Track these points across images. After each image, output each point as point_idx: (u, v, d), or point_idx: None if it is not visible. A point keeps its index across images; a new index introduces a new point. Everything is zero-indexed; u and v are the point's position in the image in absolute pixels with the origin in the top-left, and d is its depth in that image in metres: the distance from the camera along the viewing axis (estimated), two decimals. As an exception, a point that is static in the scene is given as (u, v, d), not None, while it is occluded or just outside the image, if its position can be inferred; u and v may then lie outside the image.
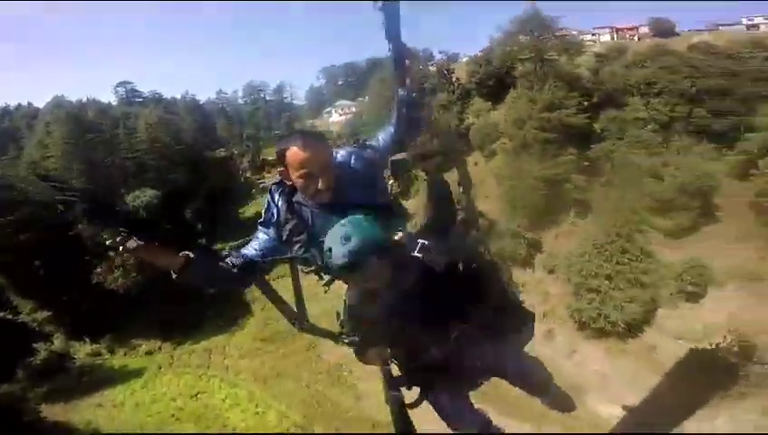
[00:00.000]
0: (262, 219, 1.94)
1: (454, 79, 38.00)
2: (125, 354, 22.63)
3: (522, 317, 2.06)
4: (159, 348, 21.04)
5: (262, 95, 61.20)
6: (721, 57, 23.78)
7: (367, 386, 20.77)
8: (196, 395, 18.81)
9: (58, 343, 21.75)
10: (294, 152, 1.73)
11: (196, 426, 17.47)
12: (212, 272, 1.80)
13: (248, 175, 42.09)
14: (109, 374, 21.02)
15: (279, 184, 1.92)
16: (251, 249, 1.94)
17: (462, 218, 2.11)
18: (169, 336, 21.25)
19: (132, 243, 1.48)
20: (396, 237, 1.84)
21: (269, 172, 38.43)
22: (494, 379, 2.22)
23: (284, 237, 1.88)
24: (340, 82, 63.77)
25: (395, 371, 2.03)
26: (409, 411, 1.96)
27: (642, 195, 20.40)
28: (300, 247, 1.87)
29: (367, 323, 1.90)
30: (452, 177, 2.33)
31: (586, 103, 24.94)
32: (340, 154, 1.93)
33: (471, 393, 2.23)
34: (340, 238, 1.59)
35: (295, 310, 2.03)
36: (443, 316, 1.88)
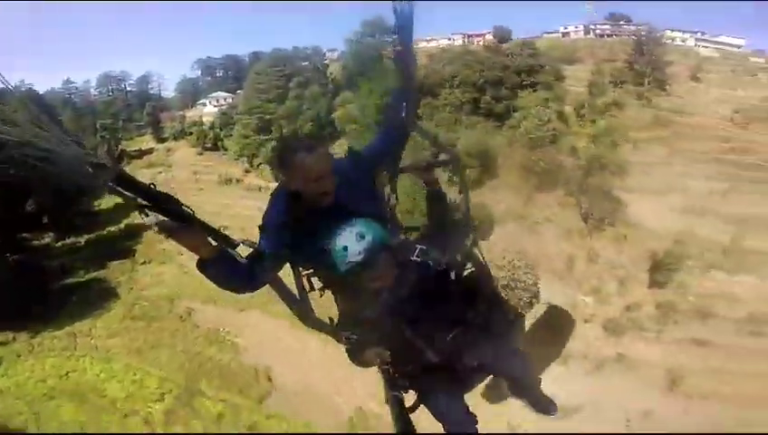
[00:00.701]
0: (262, 224, 1.97)
1: (329, 73, 42.29)
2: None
3: (511, 317, 2.19)
4: (14, 338, 20.41)
5: (123, 85, 56.54)
6: (500, 55, 32.42)
7: (245, 341, 22.68)
8: (67, 374, 18.89)
9: None
10: (302, 158, 1.83)
11: (73, 401, 17.65)
12: (231, 269, 1.77)
13: (105, 166, 39.22)
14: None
15: (282, 190, 1.99)
16: (257, 254, 1.94)
17: (458, 224, 2.15)
18: (25, 326, 20.77)
19: (153, 219, 1.43)
20: (395, 242, 2.02)
21: (129, 163, 37.08)
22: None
23: (289, 241, 1.94)
24: (218, 74, 62.06)
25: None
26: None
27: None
28: (304, 250, 1.96)
29: (367, 324, 1.94)
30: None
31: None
32: (337, 161, 2.02)
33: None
34: (355, 236, 1.76)
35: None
36: (440, 318, 1.98)
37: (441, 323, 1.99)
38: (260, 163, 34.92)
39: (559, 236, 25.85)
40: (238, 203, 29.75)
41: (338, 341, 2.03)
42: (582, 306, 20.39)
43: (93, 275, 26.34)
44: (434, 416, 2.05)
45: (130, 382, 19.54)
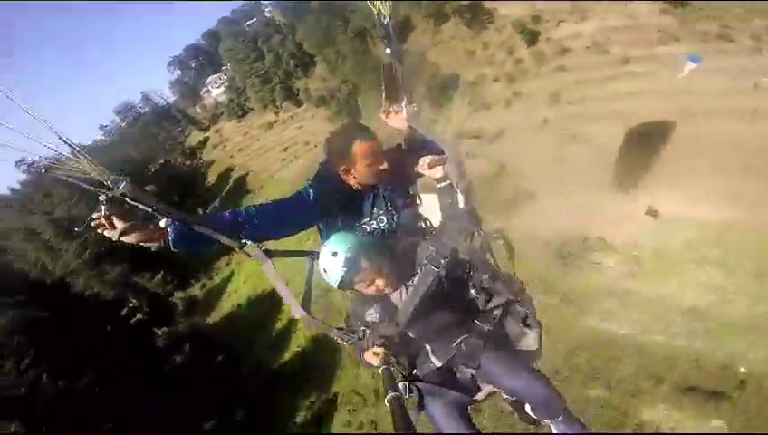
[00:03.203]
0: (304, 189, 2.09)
1: (277, 21, 53.71)
2: None
3: (527, 328, 2.03)
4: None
5: (139, 109, 69.30)
6: None
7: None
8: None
9: None
10: (361, 145, 2.00)
11: None
12: (197, 231, 1.76)
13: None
14: None
15: (321, 175, 2.14)
16: (268, 204, 2.06)
17: (466, 224, 2.06)
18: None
19: (167, 221, 1.60)
20: (404, 242, 2.06)
21: (205, 148, 50.38)
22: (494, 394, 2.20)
23: (324, 209, 2.07)
24: (193, 65, 72.73)
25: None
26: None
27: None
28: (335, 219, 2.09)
29: (371, 326, 1.98)
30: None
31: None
32: (387, 150, 2.16)
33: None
34: (330, 254, 1.85)
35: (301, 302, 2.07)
36: (445, 322, 1.98)
37: (448, 327, 1.98)
38: (280, 103, 49.93)
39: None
40: (287, 130, 46.48)
41: (341, 341, 2.05)
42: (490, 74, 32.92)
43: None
44: (430, 420, 2.01)
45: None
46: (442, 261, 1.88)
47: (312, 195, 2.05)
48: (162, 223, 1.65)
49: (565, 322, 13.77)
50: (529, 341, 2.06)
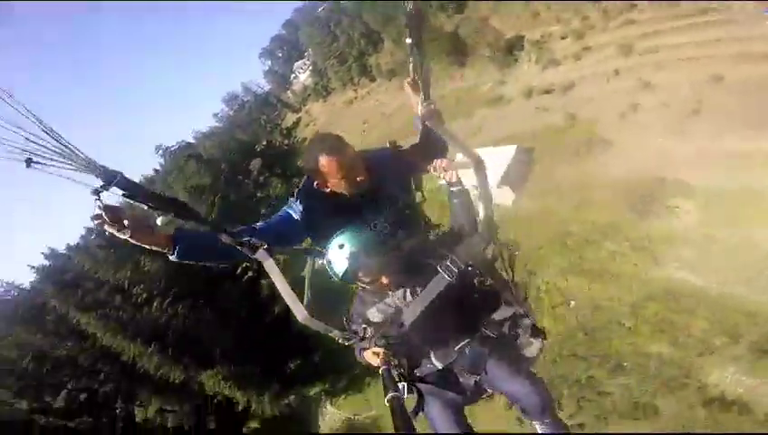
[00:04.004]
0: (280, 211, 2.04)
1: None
2: None
3: (530, 335, 2.06)
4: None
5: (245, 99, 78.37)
6: None
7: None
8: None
9: None
10: (325, 160, 1.87)
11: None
12: (206, 242, 1.78)
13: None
14: None
15: (306, 187, 2.04)
16: (262, 224, 2.03)
17: (485, 235, 1.98)
18: None
19: (164, 219, 2.23)
20: (410, 242, 2.01)
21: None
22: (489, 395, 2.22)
23: (311, 222, 2.03)
24: (280, 54, 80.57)
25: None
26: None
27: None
28: (321, 229, 2.01)
29: (373, 325, 1.97)
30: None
31: None
32: (376, 153, 2.13)
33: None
34: (337, 247, 1.83)
35: (303, 302, 1.97)
36: (449, 326, 1.98)
37: (451, 330, 1.99)
38: (357, 80, 54.10)
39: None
40: (365, 103, 50.48)
41: (341, 340, 2.00)
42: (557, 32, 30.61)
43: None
44: (427, 420, 2.06)
45: None
46: (456, 271, 1.84)
47: (297, 211, 2.03)
48: (159, 221, 2.05)
49: (636, 270, 13.09)
50: (533, 350, 2.08)
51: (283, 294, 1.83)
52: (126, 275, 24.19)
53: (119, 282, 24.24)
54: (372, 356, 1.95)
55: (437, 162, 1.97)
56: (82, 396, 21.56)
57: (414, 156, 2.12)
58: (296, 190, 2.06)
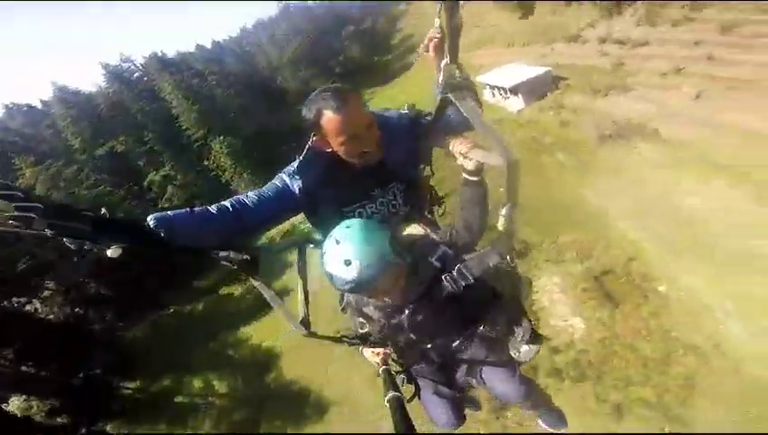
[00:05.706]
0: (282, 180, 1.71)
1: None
2: None
3: (527, 338, 1.98)
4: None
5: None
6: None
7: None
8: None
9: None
10: (330, 117, 1.52)
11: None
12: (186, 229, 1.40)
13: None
14: None
15: (309, 157, 1.67)
16: (247, 197, 1.64)
17: (501, 249, 1.65)
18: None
19: (117, 250, 1.09)
20: (413, 231, 1.78)
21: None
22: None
23: (313, 198, 1.71)
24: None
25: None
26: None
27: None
28: (325, 206, 1.74)
29: (371, 323, 1.84)
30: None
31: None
32: (389, 117, 1.80)
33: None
34: (342, 262, 1.44)
35: (300, 314, 1.67)
36: (447, 323, 1.90)
37: (449, 327, 1.90)
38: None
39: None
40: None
41: (340, 341, 1.82)
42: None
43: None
44: (423, 408, 2.06)
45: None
46: (463, 284, 1.60)
47: (296, 187, 1.69)
48: (109, 252, 1.10)
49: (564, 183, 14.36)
50: (530, 354, 1.97)
51: (275, 307, 1.55)
52: None
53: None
54: (372, 355, 1.87)
55: (456, 143, 1.57)
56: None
57: (432, 130, 1.73)
58: (298, 164, 1.69)
